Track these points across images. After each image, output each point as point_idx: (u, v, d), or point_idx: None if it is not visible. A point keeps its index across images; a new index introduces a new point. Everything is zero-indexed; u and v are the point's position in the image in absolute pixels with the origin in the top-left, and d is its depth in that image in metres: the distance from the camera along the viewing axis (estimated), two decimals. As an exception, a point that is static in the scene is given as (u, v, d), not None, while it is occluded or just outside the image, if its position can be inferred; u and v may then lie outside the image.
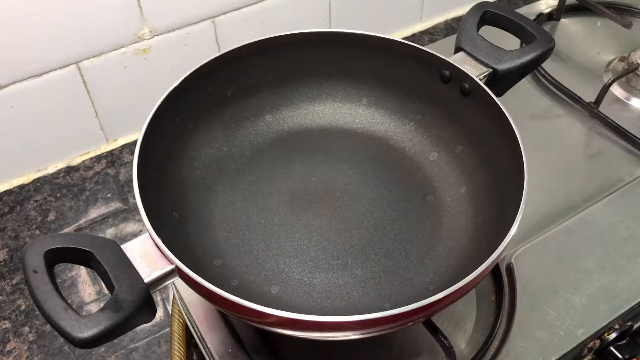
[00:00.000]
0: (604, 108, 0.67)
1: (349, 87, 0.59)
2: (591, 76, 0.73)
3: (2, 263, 0.63)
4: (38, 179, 0.71)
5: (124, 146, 0.75)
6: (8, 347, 0.57)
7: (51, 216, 0.67)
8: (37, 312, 0.59)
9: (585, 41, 0.78)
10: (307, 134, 0.59)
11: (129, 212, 0.68)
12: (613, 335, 0.51)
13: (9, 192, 0.70)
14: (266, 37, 0.54)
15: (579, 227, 0.57)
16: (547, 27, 0.80)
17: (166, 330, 0.58)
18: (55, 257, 0.38)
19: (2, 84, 0.63)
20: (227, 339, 0.49)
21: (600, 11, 0.76)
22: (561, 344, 0.49)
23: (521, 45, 0.69)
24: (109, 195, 0.69)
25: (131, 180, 0.43)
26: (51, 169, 0.72)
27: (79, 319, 0.35)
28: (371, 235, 0.51)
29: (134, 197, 0.42)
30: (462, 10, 0.91)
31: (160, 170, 0.48)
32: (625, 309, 0.51)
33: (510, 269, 0.53)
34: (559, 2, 0.80)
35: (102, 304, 0.36)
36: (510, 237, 0.40)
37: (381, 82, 0.58)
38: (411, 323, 0.41)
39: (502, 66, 0.53)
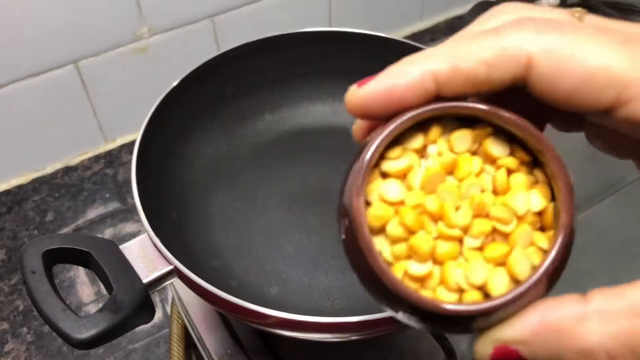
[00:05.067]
0: (605, 108, 0.67)
1: (349, 87, 0.59)
2: (592, 76, 0.73)
3: (0, 263, 0.63)
4: (36, 179, 0.71)
5: (122, 146, 0.74)
6: (6, 348, 0.56)
7: (49, 216, 0.67)
8: (35, 313, 0.59)
9: (586, 41, 0.78)
10: (307, 134, 0.59)
11: (128, 213, 0.67)
12: (615, 336, 0.51)
13: (7, 192, 0.69)
14: (266, 36, 0.54)
15: (580, 227, 0.56)
16: (547, 26, 0.80)
17: (165, 331, 0.58)
18: (54, 258, 0.38)
19: (0, 84, 0.62)
20: (226, 340, 0.49)
21: (602, 10, 0.75)
22: (563, 345, 0.49)
23: (522, 44, 0.69)
24: (107, 195, 0.69)
25: (130, 181, 0.43)
26: (49, 169, 0.72)
27: (78, 320, 0.35)
28: (371, 235, 0.51)
29: (132, 198, 0.42)
30: (463, 9, 0.91)
31: (159, 171, 0.48)
32: (627, 310, 0.51)
33: (511, 270, 0.53)
34: (560, 1, 0.80)
35: (100, 305, 0.36)
36: (512, 238, 0.40)
37: (382, 82, 0.58)
38: (412, 324, 0.40)
39: (503, 65, 0.53)
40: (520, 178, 0.20)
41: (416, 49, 0.54)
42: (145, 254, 0.39)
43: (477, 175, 0.20)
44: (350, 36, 0.55)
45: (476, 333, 0.20)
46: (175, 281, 0.40)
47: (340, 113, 0.59)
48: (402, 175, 0.21)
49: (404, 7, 0.86)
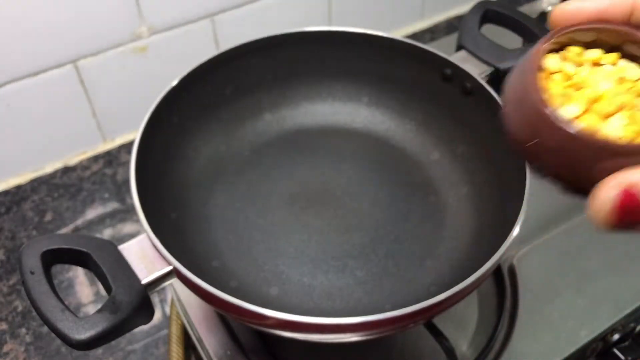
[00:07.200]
0: (606, 107, 0.67)
1: (349, 86, 0.59)
2: (593, 75, 0.73)
3: (-1, 264, 0.63)
4: (35, 179, 0.70)
5: (121, 146, 0.74)
6: (5, 349, 0.56)
7: (48, 216, 0.67)
8: (34, 314, 0.58)
9: (587, 40, 0.78)
10: (306, 133, 0.58)
11: (127, 213, 0.67)
12: (616, 337, 0.51)
13: (5, 193, 0.69)
14: (265, 35, 0.54)
15: (582, 227, 0.56)
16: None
17: (164, 332, 0.57)
18: (53, 258, 0.38)
19: (-2, 83, 0.62)
20: (225, 341, 0.49)
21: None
22: (564, 346, 0.48)
23: (523, 43, 0.68)
24: (106, 195, 0.69)
25: (129, 181, 0.42)
26: (48, 169, 0.72)
27: (76, 321, 0.35)
28: (372, 236, 0.50)
29: (131, 198, 0.42)
30: (463, 8, 0.91)
31: (158, 170, 0.48)
32: (629, 310, 0.51)
33: (512, 270, 0.53)
34: (561, 0, 0.79)
35: (99, 306, 0.36)
36: (512, 238, 0.40)
37: (382, 81, 0.58)
38: (412, 325, 0.40)
39: (504, 65, 0.53)
40: None
41: (417, 49, 0.54)
42: (144, 255, 0.39)
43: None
44: (350, 36, 0.55)
45: (594, 178, 0.23)
46: (175, 282, 0.40)
47: (340, 113, 0.59)
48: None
49: (404, 6, 0.86)
